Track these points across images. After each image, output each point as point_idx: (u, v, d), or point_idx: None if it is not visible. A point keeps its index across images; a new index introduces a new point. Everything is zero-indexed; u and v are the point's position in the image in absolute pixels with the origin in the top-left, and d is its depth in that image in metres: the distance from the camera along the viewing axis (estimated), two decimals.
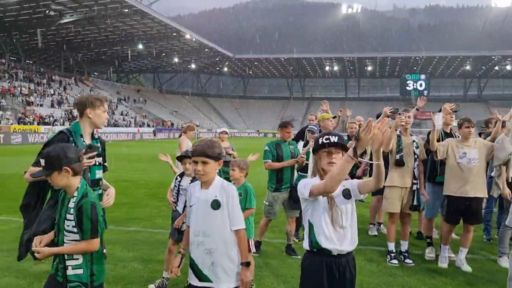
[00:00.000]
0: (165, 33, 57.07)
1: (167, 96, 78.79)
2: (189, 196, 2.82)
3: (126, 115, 55.53)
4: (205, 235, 2.63)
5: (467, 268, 5.03)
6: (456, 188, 4.99)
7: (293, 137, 7.22)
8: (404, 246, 5.41)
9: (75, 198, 2.50)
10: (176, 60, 71.46)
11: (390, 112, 5.65)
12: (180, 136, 8.29)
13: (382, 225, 7.04)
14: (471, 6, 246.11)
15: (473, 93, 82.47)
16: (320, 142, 2.51)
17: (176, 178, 4.49)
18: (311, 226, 2.53)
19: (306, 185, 2.48)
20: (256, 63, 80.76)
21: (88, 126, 3.40)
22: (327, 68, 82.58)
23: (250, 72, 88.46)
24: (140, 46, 59.89)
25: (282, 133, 5.65)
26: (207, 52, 69.91)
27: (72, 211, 2.48)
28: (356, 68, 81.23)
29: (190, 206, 2.77)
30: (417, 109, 6.06)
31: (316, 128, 6.65)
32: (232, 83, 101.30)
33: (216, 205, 2.63)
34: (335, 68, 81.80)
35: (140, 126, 53.63)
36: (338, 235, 2.47)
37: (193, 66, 78.32)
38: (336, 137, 2.51)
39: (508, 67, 73.55)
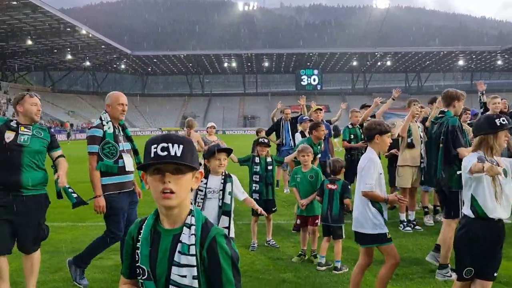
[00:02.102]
0: (58, 28, 53.67)
1: (61, 95, 74.18)
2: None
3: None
4: None
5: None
6: None
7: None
8: (412, 215, 6.58)
9: None
10: (69, 57, 67.57)
11: (381, 103, 6.84)
12: (189, 134, 8.72)
13: None
14: (351, 6, 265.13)
15: (359, 86, 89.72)
16: (499, 124, 3.16)
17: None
18: (473, 198, 3.17)
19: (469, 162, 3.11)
20: (155, 60, 79.37)
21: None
22: (225, 64, 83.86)
23: (149, 69, 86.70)
24: (30, 42, 55.69)
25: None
26: (103, 48, 67.08)
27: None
28: (253, 64, 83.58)
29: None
30: (393, 99, 7.27)
31: (307, 119, 7.59)
32: (131, 80, 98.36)
33: None
34: (233, 64, 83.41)
35: None
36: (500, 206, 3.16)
37: (87, 63, 74.67)
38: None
39: (388, 63, 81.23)
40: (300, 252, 5.30)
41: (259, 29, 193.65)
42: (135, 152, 4.63)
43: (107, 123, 4.42)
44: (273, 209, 5.85)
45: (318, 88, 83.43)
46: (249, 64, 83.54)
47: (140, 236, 1.71)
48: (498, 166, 2.89)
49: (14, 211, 3.90)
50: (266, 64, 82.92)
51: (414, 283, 4.50)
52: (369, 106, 7.77)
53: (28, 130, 4.04)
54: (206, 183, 4.12)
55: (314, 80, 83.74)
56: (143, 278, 1.69)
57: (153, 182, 1.64)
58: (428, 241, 5.79)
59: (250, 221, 6.17)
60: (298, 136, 8.31)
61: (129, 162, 4.52)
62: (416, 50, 76.43)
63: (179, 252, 1.65)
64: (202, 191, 4.09)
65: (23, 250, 4.09)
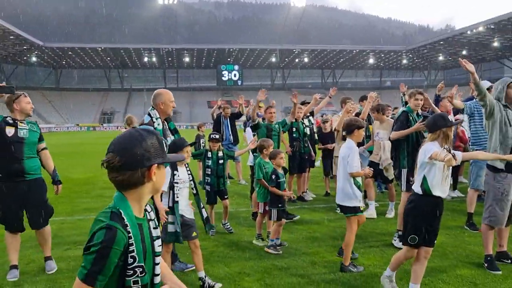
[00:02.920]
0: None
1: None
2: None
3: None
4: None
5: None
6: None
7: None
8: None
9: None
10: None
11: (319, 98, 8.05)
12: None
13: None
14: (269, 3, 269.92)
15: (278, 82, 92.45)
16: (451, 120, 4.04)
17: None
18: (424, 178, 3.86)
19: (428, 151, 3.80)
20: (70, 52, 75.86)
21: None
22: (145, 59, 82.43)
23: (63, 62, 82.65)
24: None
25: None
26: (12, 39, 62.99)
27: None
28: (174, 59, 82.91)
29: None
30: (329, 97, 8.42)
31: (262, 115, 8.38)
32: (43, 74, 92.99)
33: None
34: (154, 59, 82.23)
35: None
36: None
37: None
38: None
39: (306, 59, 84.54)
40: (257, 236, 6.03)
41: (179, 23, 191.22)
42: None
43: (156, 119, 4.65)
44: (225, 197, 6.56)
45: (239, 84, 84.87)
46: (169, 59, 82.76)
47: (130, 238, 1.66)
48: (454, 157, 3.64)
49: (22, 194, 4.66)
50: (187, 59, 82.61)
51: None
52: (309, 103, 8.66)
53: (25, 125, 4.76)
54: (178, 176, 4.49)
55: (235, 75, 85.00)
56: (140, 276, 1.70)
57: (163, 173, 1.84)
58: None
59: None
60: (249, 131, 9.15)
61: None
62: (331, 48, 79.99)
63: (154, 228, 1.85)
64: (178, 183, 4.47)
65: (35, 227, 4.86)
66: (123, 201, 1.73)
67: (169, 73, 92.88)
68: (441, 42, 69.67)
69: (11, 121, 4.65)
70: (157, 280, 1.82)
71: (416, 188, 3.93)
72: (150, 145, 1.73)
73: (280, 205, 5.59)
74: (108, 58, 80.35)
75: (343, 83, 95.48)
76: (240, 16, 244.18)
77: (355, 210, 4.82)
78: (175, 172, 4.49)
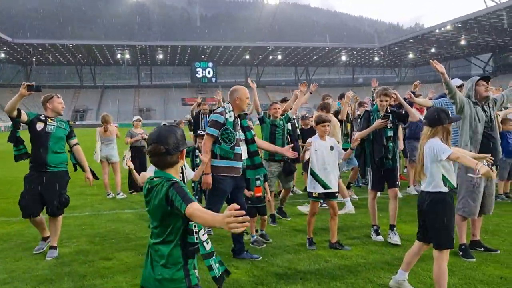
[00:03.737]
0: None
1: None
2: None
3: None
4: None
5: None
6: None
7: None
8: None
9: None
10: None
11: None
12: (106, 129, 9.65)
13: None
14: (242, 0, 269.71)
15: (252, 79, 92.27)
16: (450, 116, 3.96)
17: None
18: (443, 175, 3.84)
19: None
20: (40, 49, 74.20)
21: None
22: (118, 55, 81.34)
23: (33, 59, 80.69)
24: None
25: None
26: None
27: None
28: (148, 56, 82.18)
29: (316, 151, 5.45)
30: (310, 93, 8.33)
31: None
32: (12, 71, 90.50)
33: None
34: (127, 56, 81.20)
35: None
36: None
37: None
38: None
39: (279, 57, 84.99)
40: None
41: (152, 20, 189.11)
42: (247, 141, 5.24)
43: (229, 111, 5.06)
44: None
45: (213, 81, 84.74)
46: (143, 56, 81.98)
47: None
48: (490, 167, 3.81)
49: (42, 183, 5.28)
50: (161, 56, 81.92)
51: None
52: (288, 100, 8.51)
53: (54, 122, 5.44)
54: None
55: (209, 72, 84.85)
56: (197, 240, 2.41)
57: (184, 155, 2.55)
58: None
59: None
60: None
61: (244, 150, 5.19)
62: (304, 45, 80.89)
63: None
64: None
65: (50, 214, 5.44)
66: (168, 174, 2.41)
67: (142, 70, 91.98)
68: (411, 40, 71.31)
69: (43, 118, 5.38)
70: None
71: (435, 187, 3.89)
72: (180, 136, 2.44)
73: (249, 202, 5.74)
74: (80, 55, 78.99)
75: (316, 80, 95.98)
76: (213, 13, 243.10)
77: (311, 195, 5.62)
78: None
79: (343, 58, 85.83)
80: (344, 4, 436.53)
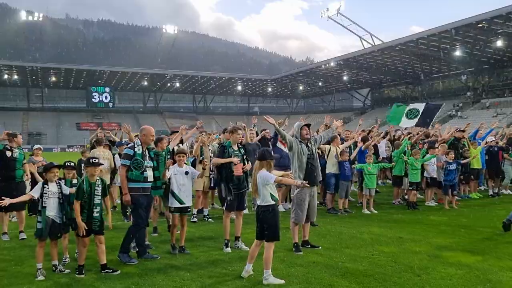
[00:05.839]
0: None
1: None
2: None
3: None
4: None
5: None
6: None
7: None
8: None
9: None
10: None
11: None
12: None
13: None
14: (141, 25, 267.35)
15: (151, 105, 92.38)
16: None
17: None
18: None
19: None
20: None
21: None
22: (5, 76, 76.20)
23: None
24: None
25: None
26: None
27: None
28: (39, 78, 77.81)
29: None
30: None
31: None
32: None
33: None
34: (16, 76, 76.35)
35: None
36: None
37: None
38: None
39: (177, 84, 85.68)
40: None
41: (44, 40, 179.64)
42: (153, 168, 6.69)
43: (138, 145, 6.51)
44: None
45: (110, 106, 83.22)
46: (34, 77, 77.79)
47: None
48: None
49: (12, 189, 8.02)
50: (54, 78, 78.23)
51: None
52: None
53: (17, 150, 8.40)
54: (48, 188, 5.72)
55: (106, 97, 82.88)
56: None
57: None
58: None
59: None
60: (117, 158, 10.68)
61: (150, 174, 6.56)
62: (202, 75, 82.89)
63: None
64: (46, 193, 5.67)
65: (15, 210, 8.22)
66: None
67: (33, 92, 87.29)
68: (301, 74, 77.36)
69: (9, 148, 8.30)
70: None
71: (266, 202, 5.51)
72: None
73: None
74: None
75: (214, 107, 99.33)
76: (111, 37, 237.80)
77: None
78: (45, 185, 5.78)
79: (239, 87, 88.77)
80: (240, 35, 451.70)
